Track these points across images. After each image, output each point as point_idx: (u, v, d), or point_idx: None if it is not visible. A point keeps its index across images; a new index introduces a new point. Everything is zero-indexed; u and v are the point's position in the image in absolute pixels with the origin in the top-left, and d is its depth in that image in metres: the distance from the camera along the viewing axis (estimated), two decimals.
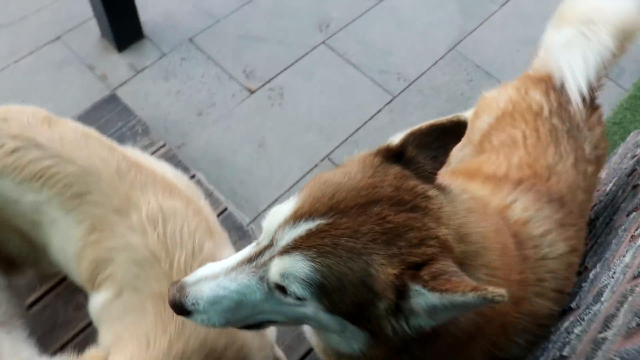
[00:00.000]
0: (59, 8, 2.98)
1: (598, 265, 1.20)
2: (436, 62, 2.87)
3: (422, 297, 0.81)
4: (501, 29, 3.04)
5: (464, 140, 0.98)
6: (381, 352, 0.94)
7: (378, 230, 0.84)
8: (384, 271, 0.82)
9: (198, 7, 3.00)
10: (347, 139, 2.54)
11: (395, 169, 0.92)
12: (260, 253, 0.91)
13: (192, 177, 2.25)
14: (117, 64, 2.77)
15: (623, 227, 1.26)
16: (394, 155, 0.95)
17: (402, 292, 0.82)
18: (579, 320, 1.01)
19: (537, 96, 1.50)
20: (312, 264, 0.84)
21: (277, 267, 0.87)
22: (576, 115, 1.46)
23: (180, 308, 0.94)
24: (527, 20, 3.09)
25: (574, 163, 1.37)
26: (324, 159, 2.48)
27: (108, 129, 2.35)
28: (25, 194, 1.26)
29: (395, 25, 3.00)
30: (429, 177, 0.94)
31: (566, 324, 1.08)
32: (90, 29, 2.89)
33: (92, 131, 1.42)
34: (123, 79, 2.71)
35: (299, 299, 0.87)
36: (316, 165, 2.46)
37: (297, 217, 0.88)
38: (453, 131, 0.94)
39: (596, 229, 1.51)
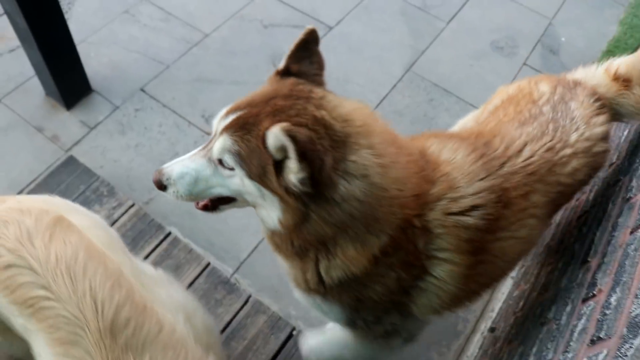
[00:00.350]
0: None
1: (618, 290, 1.18)
2: (395, 85, 2.87)
3: (268, 141, 1.10)
4: (452, 46, 3.08)
5: (474, 121, 1.36)
6: (292, 219, 1.18)
7: (269, 110, 1.15)
8: (262, 129, 1.12)
9: (145, 55, 2.91)
10: None
11: (290, 80, 1.24)
12: (210, 142, 1.24)
13: (168, 234, 2.14)
14: (68, 122, 2.63)
15: (632, 246, 1.25)
16: (286, 73, 1.26)
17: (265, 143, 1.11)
18: (620, 357, 0.98)
19: (543, 87, 1.57)
20: (233, 137, 1.15)
21: (216, 146, 1.19)
22: (575, 111, 1.50)
23: (159, 184, 1.29)
24: (475, 34, 3.15)
25: (543, 144, 1.43)
26: None
27: (70, 194, 2.22)
28: (16, 316, 1.12)
29: (348, 53, 3.00)
30: (316, 80, 1.26)
31: (601, 356, 1.05)
32: (33, 88, 2.74)
33: (99, 249, 1.19)
34: (76, 138, 2.58)
35: (231, 169, 1.20)
36: None
37: (228, 112, 1.21)
38: (310, 38, 1.26)
39: (595, 244, 1.51)
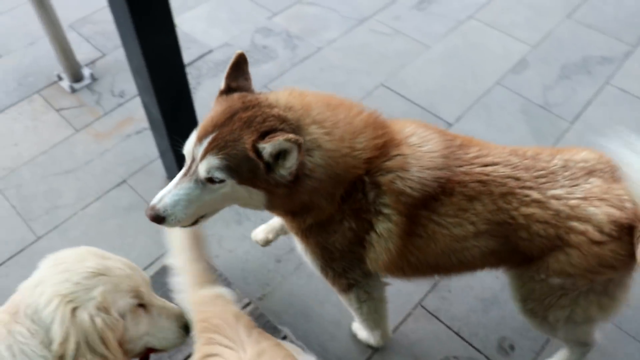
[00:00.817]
0: (122, 150, 2.94)
1: None
2: None
3: (265, 150, 1.32)
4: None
5: None
6: (278, 202, 1.47)
7: (240, 124, 1.36)
8: (248, 142, 1.34)
9: None
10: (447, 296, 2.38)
11: (235, 95, 1.46)
12: (189, 167, 1.41)
13: (284, 338, 2.08)
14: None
15: None
16: (229, 90, 1.49)
17: (259, 152, 1.34)
18: None
19: (584, 155, 1.57)
20: (218, 155, 1.35)
21: (202, 168, 1.37)
22: (592, 184, 1.51)
23: (157, 218, 1.43)
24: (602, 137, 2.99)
25: (515, 173, 1.52)
26: (416, 306, 2.31)
27: None
28: None
29: None
30: (251, 90, 1.51)
31: None
32: (155, 170, 2.83)
33: None
34: None
35: (221, 181, 1.38)
36: (409, 314, 2.28)
37: (199, 138, 1.39)
38: (241, 60, 1.50)
39: None
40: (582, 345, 1.91)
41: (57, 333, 1.20)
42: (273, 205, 1.51)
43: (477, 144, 1.60)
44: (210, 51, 3.46)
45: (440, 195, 1.50)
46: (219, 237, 2.54)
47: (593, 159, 1.54)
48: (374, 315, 1.95)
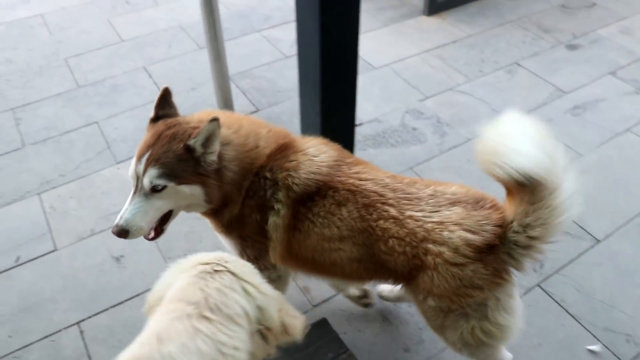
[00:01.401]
0: None
1: None
2: None
3: (197, 141, 1.66)
4: None
5: None
6: (213, 194, 1.76)
7: (167, 139, 1.69)
8: (180, 148, 1.67)
9: None
10: None
11: (161, 122, 1.77)
12: (137, 186, 1.72)
13: None
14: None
15: None
16: (157, 118, 1.79)
17: (191, 149, 1.67)
18: None
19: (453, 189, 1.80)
20: (156, 167, 1.66)
21: (145, 180, 1.68)
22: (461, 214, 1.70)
23: (122, 232, 1.71)
24: None
25: (393, 186, 1.79)
26: None
27: (316, 358, 2.17)
28: None
29: (616, 273, 2.73)
30: (175, 114, 1.83)
31: None
32: None
33: None
34: (326, 296, 2.58)
35: (163, 187, 1.69)
36: None
37: (138, 158, 1.70)
38: (166, 93, 1.82)
39: None
40: None
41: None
42: (209, 199, 1.77)
43: (365, 165, 1.87)
44: (360, 124, 3.52)
45: (316, 196, 1.78)
46: (348, 314, 2.51)
47: (461, 192, 1.71)
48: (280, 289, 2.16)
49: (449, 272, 1.61)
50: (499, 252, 1.60)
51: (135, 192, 1.73)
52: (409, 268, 1.68)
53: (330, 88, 2.16)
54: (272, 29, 4.50)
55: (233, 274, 1.32)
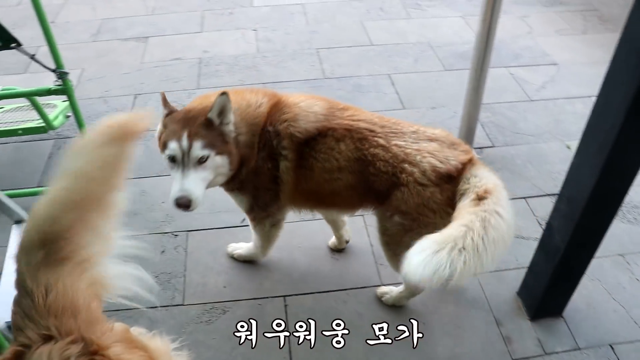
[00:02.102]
0: None
1: None
2: None
3: (212, 113, 2.00)
4: None
5: None
6: (234, 160, 2.09)
7: (194, 119, 2.01)
8: (205, 121, 2.01)
9: (627, 311, 2.68)
10: None
11: (175, 113, 2.10)
12: (183, 161, 1.99)
13: None
14: (526, 332, 2.54)
15: None
16: (171, 112, 2.12)
17: (210, 121, 2.00)
18: None
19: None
20: (199, 139, 1.97)
21: (194, 153, 1.97)
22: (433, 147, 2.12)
23: (187, 202, 2.00)
24: None
25: (378, 123, 2.19)
26: None
27: None
28: None
29: None
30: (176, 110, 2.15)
31: None
32: (510, 279, 2.76)
33: None
34: (527, 354, 2.45)
35: (207, 157, 2.00)
36: None
37: (178, 137, 1.98)
38: (164, 98, 2.14)
39: None
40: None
41: None
42: (232, 167, 2.09)
43: (355, 110, 2.20)
44: None
45: (318, 136, 2.10)
46: None
47: (441, 134, 2.10)
48: (270, 239, 2.62)
49: (415, 190, 1.97)
50: (455, 186, 1.97)
51: (183, 168, 1.99)
52: (388, 186, 2.03)
53: None
54: (520, 68, 4.39)
55: None
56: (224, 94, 1.97)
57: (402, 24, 5.03)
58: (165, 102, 2.11)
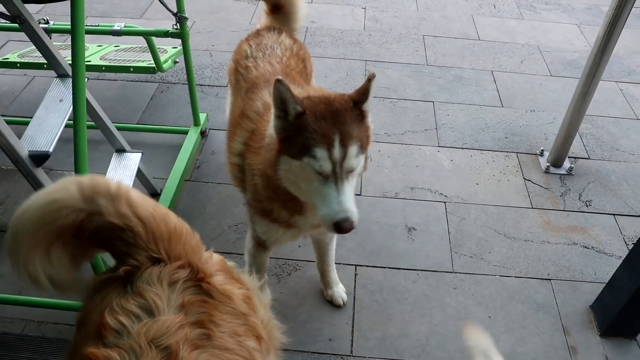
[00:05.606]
0: (562, 252, 2.88)
1: None
2: None
3: (366, 103, 1.64)
4: None
5: None
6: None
7: (337, 114, 1.59)
8: (356, 114, 1.64)
9: None
10: None
11: (307, 111, 1.60)
12: (335, 172, 1.55)
13: None
14: (593, 346, 2.49)
15: None
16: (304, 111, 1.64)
17: (364, 115, 1.66)
18: None
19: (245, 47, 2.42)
20: (353, 143, 1.56)
21: (349, 162, 1.56)
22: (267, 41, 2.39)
23: (350, 229, 1.57)
24: None
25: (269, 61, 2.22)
26: None
27: None
28: None
29: None
30: None
31: None
32: (582, 291, 2.70)
33: None
34: None
35: (357, 164, 1.60)
36: None
37: (330, 144, 1.54)
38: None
39: None
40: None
41: None
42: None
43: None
44: None
45: None
46: None
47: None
48: None
49: None
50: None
51: (337, 181, 1.56)
52: None
53: None
54: (632, 85, 4.21)
55: None
56: (373, 76, 1.59)
57: (513, 23, 4.93)
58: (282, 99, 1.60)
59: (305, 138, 1.55)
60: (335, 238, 2.43)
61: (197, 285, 1.21)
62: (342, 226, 1.55)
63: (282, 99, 1.56)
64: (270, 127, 1.72)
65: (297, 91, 1.74)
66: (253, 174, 1.87)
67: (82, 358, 1.06)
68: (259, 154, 1.82)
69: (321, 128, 1.54)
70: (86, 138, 1.92)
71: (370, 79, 1.59)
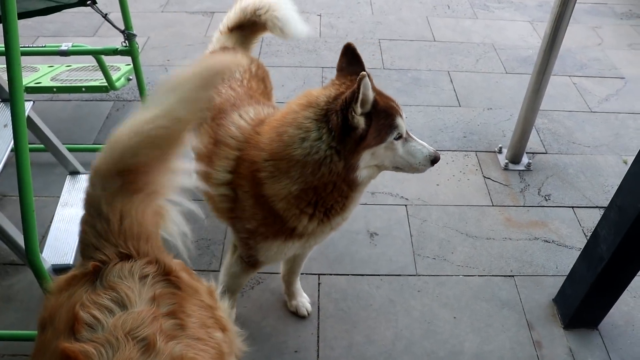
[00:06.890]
0: (523, 248, 2.90)
1: None
2: None
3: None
4: None
5: None
6: None
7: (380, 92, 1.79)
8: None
9: None
10: None
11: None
12: (407, 132, 1.81)
13: None
14: (557, 338, 2.50)
15: None
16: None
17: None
18: None
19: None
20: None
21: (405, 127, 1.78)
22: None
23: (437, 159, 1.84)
24: None
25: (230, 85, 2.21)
26: None
27: None
28: None
29: None
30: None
31: None
32: (545, 285, 2.72)
33: None
34: None
35: None
36: None
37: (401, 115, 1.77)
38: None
39: None
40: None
41: None
42: None
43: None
44: None
45: None
46: None
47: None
48: None
49: None
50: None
51: (410, 137, 1.83)
52: None
53: None
54: (585, 79, 4.28)
55: None
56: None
57: (468, 23, 4.98)
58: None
59: (386, 116, 1.72)
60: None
61: (166, 280, 1.25)
62: (438, 157, 1.85)
63: (365, 94, 1.64)
64: (308, 147, 1.70)
65: (267, 111, 2.01)
66: (270, 200, 1.81)
67: (53, 355, 1.06)
68: (289, 177, 1.75)
69: (389, 101, 1.77)
70: (29, 163, 1.87)
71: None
